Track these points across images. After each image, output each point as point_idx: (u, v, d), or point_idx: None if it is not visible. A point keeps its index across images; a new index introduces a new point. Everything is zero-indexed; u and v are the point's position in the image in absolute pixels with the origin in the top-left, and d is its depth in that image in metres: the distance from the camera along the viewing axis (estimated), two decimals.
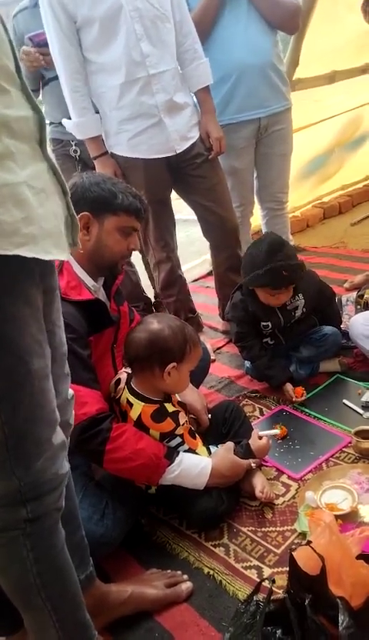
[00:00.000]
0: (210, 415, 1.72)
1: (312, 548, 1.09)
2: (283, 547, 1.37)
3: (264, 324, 2.02)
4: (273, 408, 1.97)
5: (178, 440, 1.47)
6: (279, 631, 1.05)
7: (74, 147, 2.35)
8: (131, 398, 1.46)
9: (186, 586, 1.29)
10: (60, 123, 2.21)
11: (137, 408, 1.45)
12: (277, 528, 1.43)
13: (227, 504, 1.47)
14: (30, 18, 2.19)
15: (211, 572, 1.34)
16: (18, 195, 0.72)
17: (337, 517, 1.32)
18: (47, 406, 0.85)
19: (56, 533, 0.91)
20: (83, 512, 1.24)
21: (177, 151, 2.10)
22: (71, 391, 1.03)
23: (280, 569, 1.30)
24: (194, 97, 2.18)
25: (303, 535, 1.38)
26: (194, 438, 1.55)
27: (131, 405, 1.46)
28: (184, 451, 1.46)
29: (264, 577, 1.28)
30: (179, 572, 1.33)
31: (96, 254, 1.48)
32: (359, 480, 1.50)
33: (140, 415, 1.44)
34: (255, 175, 2.65)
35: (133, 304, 2.12)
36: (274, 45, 2.38)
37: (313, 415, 1.87)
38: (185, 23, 2.07)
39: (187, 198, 2.33)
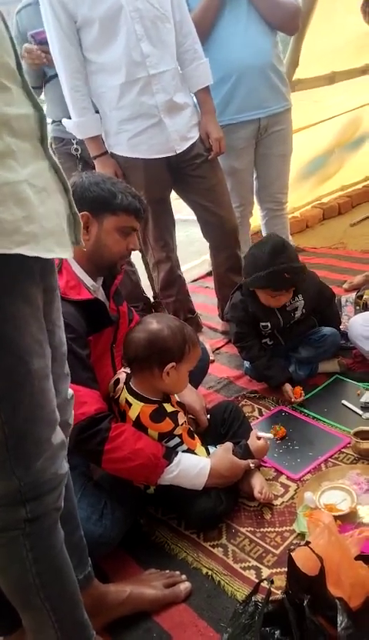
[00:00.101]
0: (209, 416, 1.71)
1: (311, 549, 1.09)
2: (281, 547, 1.37)
3: (264, 324, 2.02)
4: (272, 408, 1.97)
5: (177, 440, 1.47)
6: (277, 632, 1.05)
7: (75, 145, 2.35)
8: (130, 398, 1.46)
9: (184, 586, 1.29)
10: (61, 121, 2.21)
11: (136, 408, 1.44)
12: (276, 529, 1.43)
13: (226, 504, 1.47)
14: (33, 15, 2.19)
15: (210, 573, 1.33)
16: (18, 194, 0.72)
17: (335, 517, 1.32)
18: (47, 406, 0.85)
19: (55, 533, 0.90)
20: (82, 512, 1.24)
21: (177, 152, 2.10)
22: (70, 391, 1.03)
23: (278, 570, 1.30)
24: (194, 97, 2.18)
25: (302, 535, 1.38)
26: (193, 438, 1.55)
27: (129, 404, 1.46)
28: (183, 451, 1.46)
29: (263, 577, 1.28)
30: (178, 572, 1.33)
31: (95, 254, 1.48)
32: (358, 481, 1.50)
33: (139, 414, 1.44)
34: (255, 176, 2.65)
35: (132, 304, 2.12)
36: (274, 45, 2.38)
37: (312, 416, 1.87)
38: (185, 23, 2.07)
39: (186, 198, 2.33)
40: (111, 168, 2.11)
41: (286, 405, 1.96)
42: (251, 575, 1.31)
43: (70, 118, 2.07)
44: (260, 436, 1.60)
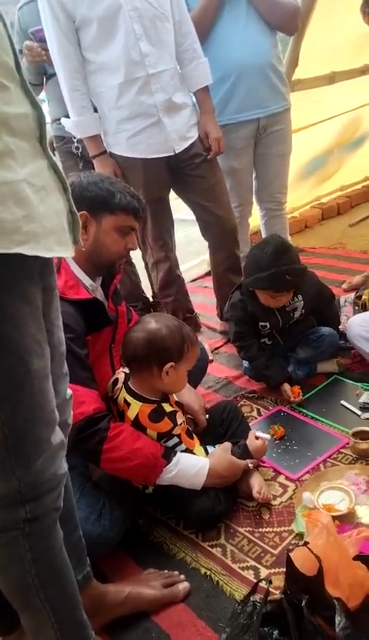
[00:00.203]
0: (207, 416, 1.71)
1: (309, 549, 1.09)
2: (280, 547, 1.37)
3: (263, 324, 2.02)
4: (271, 408, 1.97)
5: (176, 440, 1.47)
6: (276, 632, 1.04)
7: (76, 144, 2.35)
8: (129, 398, 1.46)
9: (183, 586, 1.29)
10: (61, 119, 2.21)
11: (135, 408, 1.44)
12: (275, 529, 1.43)
13: (225, 504, 1.47)
14: (35, 11, 2.17)
15: (208, 573, 1.33)
16: (18, 193, 0.72)
17: (334, 518, 1.32)
18: (46, 406, 0.85)
19: (54, 533, 0.90)
20: (80, 512, 1.24)
21: (176, 151, 2.10)
22: (69, 391, 1.03)
23: (277, 570, 1.30)
24: (194, 97, 2.18)
25: (300, 535, 1.38)
26: (192, 438, 1.55)
27: (128, 404, 1.46)
28: (182, 451, 1.46)
29: (261, 577, 1.28)
30: (176, 572, 1.33)
31: (94, 253, 1.48)
32: (356, 481, 1.50)
33: (137, 414, 1.44)
34: (254, 176, 2.65)
35: (131, 303, 2.12)
36: (274, 45, 2.38)
37: (310, 416, 1.87)
38: (184, 23, 2.06)
39: (185, 197, 2.32)
40: (109, 168, 2.11)
41: (285, 405, 1.96)
42: (250, 575, 1.31)
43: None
44: (258, 436, 1.60)
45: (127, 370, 1.53)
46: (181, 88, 2.09)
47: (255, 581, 1.24)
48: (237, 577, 1.31)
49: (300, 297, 2.00)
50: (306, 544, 1.15)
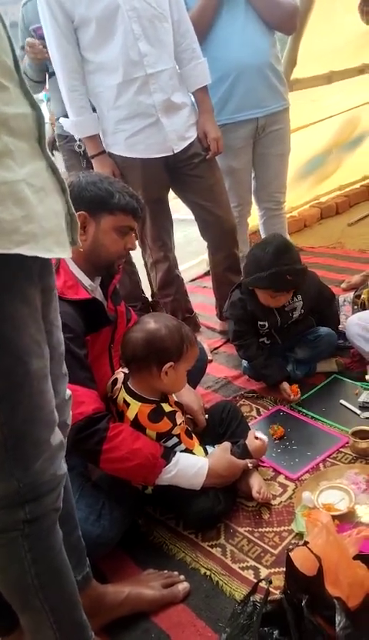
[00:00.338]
0: (207, 416, 1.71)
1: (309, 549, 1.09)
2: (280, 547, 1.37)
3: (261, 323, 2.02)
4: (270, 408, 1.97)
5: (175, 440, 1.47)
6: (276, 632, 1.04)
7: (78, 142, 2.35)
8: (128, 398, 1.46)
9: (183, 587, 1.29)
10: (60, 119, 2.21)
11: (134, 408, 1.44)
12: (274, 529, 1.43)
13: (224, 504, 1.47)
14: (39, 8, 2.19)
15: (208, 573, 1.33)
16: (17, 193, 0.71)
17: (334, 517, 1.32)
18: (46, 407, 0.85)
19: (54, 534, 0.90)
20: (80, 513, 1.24)
21: (175, 151, 2.10)
22: (68, 392, 1.03)
23: (277, 570, 1.30)
24: (192, 97, 2.18)
25: (300, 535, 1.38)
26: (191, 438, 1.54)
27: (127, 404, 1.46)
28: (181, 451, 1.46)
29: (261, 577, 1.28)
30: (176, 573, 1.33)
31: (93, 253, 1.48)
32: (356, 480, 1.50)
33: (137, 414, 1.43)
34: (253, 175, 2.65)
35: (131, 303, 2.12)
36: (272, 45, 2.38)
37: (310, 416, 1.87)
38: (183, 22, 2.06)
39: (184, 197, 2.32)
40: (108, 168, 2.11)
41: (284, 405, 1.96)
42: (250, 574, 1.31)
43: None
44: (257, 437, 1.60)
45: (126, 370, 1.53)
46: (180, 88, 2.09)
47: (255, 581, 1.24)
48: (237, 577, 1.31)
49: (299, 297, 1.99)
50: (306, 543, 1.15)
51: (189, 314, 2.54)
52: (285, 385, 1.96)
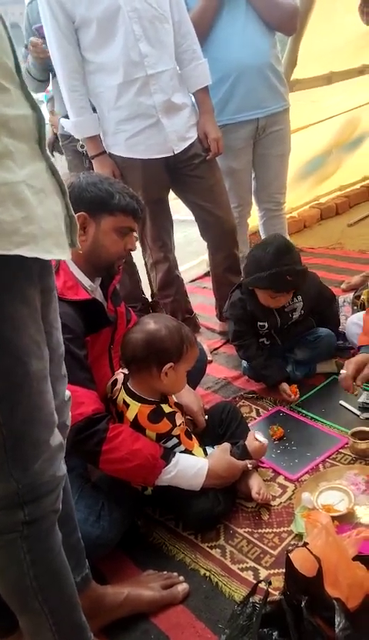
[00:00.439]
0: (206, 416, 1.71)
1: (308, 550, 1.09)
2: (279, 548, 1.37)
3: (261, 324, 2.02)
4: (270, 409, 1.97)
5: (175, 441, 1.46)
6: (275, 633, 1.04)
7: (80, 142, 2.35)
8: (128, 399, 1.46)
9: (182, 588, 1.28)
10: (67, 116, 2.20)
11: (134, 409, 1.44)
12: (274, 530, 1.43)
13: (224, 505, 1.47)
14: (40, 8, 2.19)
15: (207, 574, 1.33)
16: (17, 195, 0.71)
17: (333, 518, 1.32)
18: (45, 408, 0.85)
19: (53, 535, 0.90)
20: (79, 514, 1.24)
21: (175, 152, 2.10)
22: (68, 393, 1.03)
23: (276, 571, 1.30)
24: (193, 97, 2.18)
25: (299, 536, 1.38)
26: (191, 439, 1.54)
27: (127, 405, 1.46)
28: (181, 452, 1.46)
29: (261, 578, 1.28)
30: (175, 574, 1.33)
31: (93, 254, 1.48)
32: (355, 481, 1.50)
33: (136, 415, 1.43)
34: (253, 176, 2.65)
35: (131, 304, 2.12)
36: (273, 45, 2.38)
37: (309, 416, 1.87)
38: (184, 23, 2.06)
39: (184, 198, 2.32)
40: (108, 168, 2.11)
41: (284, 406, 1.96)
42: (249, 575, 1.31)
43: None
44: (257, 439, 1.59)
45: (126, 371, 1.52)
46: (180, 88, 2.09)
47: (255, 582, 1.24)
48: (236, 578, 1.31)
49: (299, 298, 1.99)
50: (305, 544, 1.14)
51: (189, 314, 2.54)
52: (285, 385, 1.96)
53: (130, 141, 2.05)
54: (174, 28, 2.03)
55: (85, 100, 2.03)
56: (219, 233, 2.34)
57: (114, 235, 1.48)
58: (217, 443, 1.59)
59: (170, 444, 1.46)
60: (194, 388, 1.82)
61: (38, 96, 3.30)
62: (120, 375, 1.56)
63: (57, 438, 0.88)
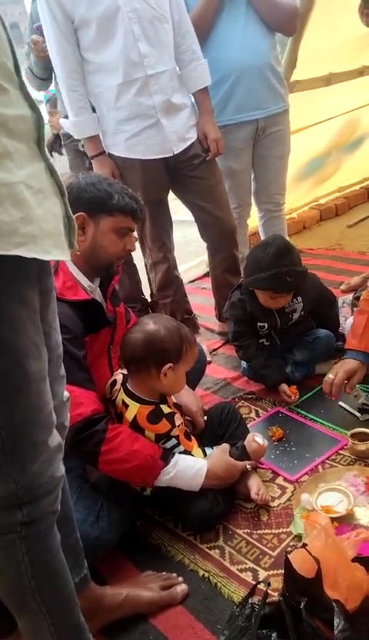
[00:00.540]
0: (205, 417, 1.71)
1: (307, 551, 1.09)
2: (278, 549, 1.37)
3: (261, 324, 2.02)
4: (269, 409, 1.97)
5: (174, 441, 1.46)
6: (274, 635, 1.04)
7: (81, 141, 2.35)
8: (127, 400, 1.46)
9: (181, 588, 1.28)
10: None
11: (133, 410, 1.44)
12: (273, 531, 1.43)
13: (223, 506, 1.47)
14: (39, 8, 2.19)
15: (206, 575, 1.33)
16: (16, 195, 0.71)
17: (332, 519, 1.32)
18: (44, 409, 0.85)
19: (51, 536, 0.90)
20: (78, 514, 1.23)
21: (175, 152, 2.10)
22: (66, 394, 1.03)
23: (275, 572, 1.30)
24: (193, 98, 2.18)
25: (298, 537, 1.38)
26: (190, 439, 1.54)
27: (126, 406, 1.46)
28: (180, 452, 1.46)
29: (260, 579, 1.28)
30: (174, 575, 1.33)
31: (92, 254, 1.48)
32: (355, 482, 1.50)
33: (135, 416, 1.43)
34: (253, 177, 2.65)
35: (130, 304, 2.12)
36: (273, 46, 2.38)
37: (309, 417, 1.87)
38: (184, 24, 2.06)
39: (184, 199, 2.32)
40: (108, 169, 2.11)
41: (283, 407, 1.96)
42: (248, 577, 1.31)
43: None
44: (257, 441, 1.59)
45: (125, 371, 1.52)
46: (180, 89, 2.09)
47: (254, 583, 1.24)
48: (235, 579, 1.31)
49: (299, 299, 1.99)
50: (304, 546, 1.14)
51: (188, 315, 2.54)
52: (284, 386, 1.96)
53: (129, 141, 2.05)
54: (174, 29, 2.03)
55: (85, 100, 2.03)
56: (219, 234, 2.34)
57: (113, 235, 1.48)
58: (216, 444, 1.59)
59: (169, 444, 1.45)
60: (193, 388, 1.82)
61: (38, 96, 3.30)
62: (119, 375, 1.56)
63: (55, 439, 0.88)
